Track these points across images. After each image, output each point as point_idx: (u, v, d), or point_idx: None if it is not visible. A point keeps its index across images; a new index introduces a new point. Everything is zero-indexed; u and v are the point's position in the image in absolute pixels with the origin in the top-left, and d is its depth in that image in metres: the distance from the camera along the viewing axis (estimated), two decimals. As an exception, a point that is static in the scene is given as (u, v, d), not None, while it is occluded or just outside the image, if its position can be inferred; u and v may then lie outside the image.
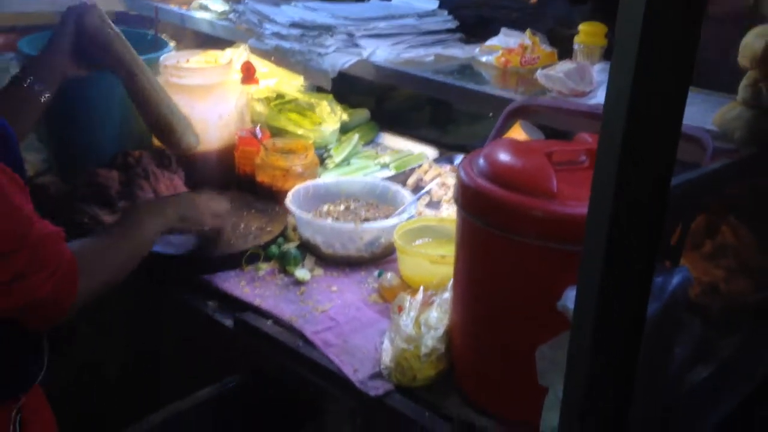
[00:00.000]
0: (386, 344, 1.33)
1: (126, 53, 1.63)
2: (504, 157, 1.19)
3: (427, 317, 1.34)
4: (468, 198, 1.19)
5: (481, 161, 1.20)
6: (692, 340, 1.18)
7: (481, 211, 1.16)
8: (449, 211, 1.84)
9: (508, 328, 1.18)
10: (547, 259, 1.10)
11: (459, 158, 2.17)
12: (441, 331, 1.29)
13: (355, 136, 2.19)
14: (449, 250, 1.61)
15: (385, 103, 2.50)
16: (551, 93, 1.55)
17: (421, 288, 1.43)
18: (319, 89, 2.14)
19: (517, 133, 1.95)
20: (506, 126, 1.40)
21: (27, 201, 1.12)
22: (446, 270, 1.48)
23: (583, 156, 1.21)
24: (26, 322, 1.15)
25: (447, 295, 1.37)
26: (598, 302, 0.86)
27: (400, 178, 2.05)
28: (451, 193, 1.93)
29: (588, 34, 1.68)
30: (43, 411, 1.27)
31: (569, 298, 0.94)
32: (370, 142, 2.34)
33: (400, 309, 1.40)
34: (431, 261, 1.49)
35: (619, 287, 0.85)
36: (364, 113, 2.36)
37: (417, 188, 2.04)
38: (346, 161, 2.13)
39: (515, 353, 1.15)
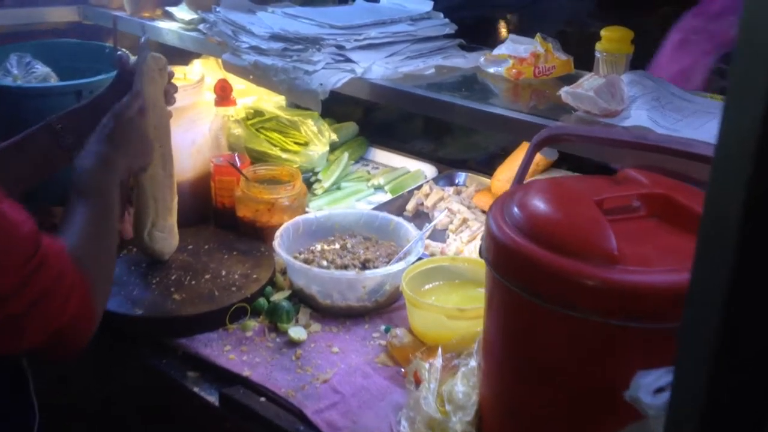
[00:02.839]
0: (404, 426, 1.12)
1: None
2: (543, 205, 0.98)
3: (451, 391, 1.13)
4: (503, 258, 0.97)
5: (515, 210, 0.99)
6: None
7: (520, 277, 0.95)
8: (456, 243, 1.63)
9: (557, 414, 0.98)
10: (606, 337, 0.90)
11: (460, 176, 1.97)
12: (471, 412, 1.08)
13: (345, 156, 1.97)
14: (465, 297, 1.41)
15: (372, 113, 2.27)
16: (577, 112, 1.34)
17: (440, 350, 1.22)
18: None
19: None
20: (533, 159, 1.19)
21: (20, 213, 0.97)
22: (465, 325, 1.27)
23: (637, 201, 1.01)
24: (51, 353, 1.03)
25: (473, 363, 1.16)
26: (704, 407, 0.65)
27: (398, 202, 1.84)
28: (457, 221, 1.72)
29: (611, 40, 1.47)
30: None
31: (643, 388, 0.74)
32: (360, 159, 2.12)
33: (417, 379, 1.20)
34: (448, 316, 1.28)
35: (738, 388, 0.64)
36: (351, 127, 2.14)
37: (417, 213, 1.83)
38: (335, 185, 1.91)
39: (567, 446, 0.95)
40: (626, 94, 1.34)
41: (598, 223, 0.92)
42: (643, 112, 1.30)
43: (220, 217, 1.72)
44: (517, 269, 0.95)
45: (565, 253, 0.90)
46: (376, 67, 1.52)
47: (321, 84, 1.45)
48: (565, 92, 1.32)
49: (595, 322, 0.88)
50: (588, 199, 0.97)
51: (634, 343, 0.88)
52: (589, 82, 1.32)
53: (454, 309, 1.28)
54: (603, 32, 1.47)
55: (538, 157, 1.69)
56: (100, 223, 1.13)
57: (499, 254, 0.98)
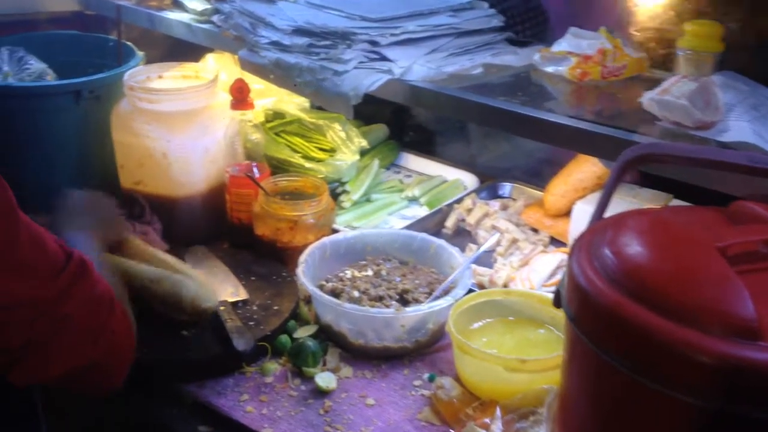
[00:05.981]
0: None
1: None
2: (648, 251, 0.76)
3: (516, 468, 0.93)
4: (593, 318, 0.76)
5: (609, 255, 0.77)
6: None
7: (618, 346, 0.73)
8: (506, 269, 1.42)
9: None
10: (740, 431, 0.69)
11: (505, 188, 1.75)
12: (545, 500, 0.88)
13: (375, 163, 1.76)
14: (523, 340, 1.20)
15: (403, 113, 2.04)
16: (661, 122, 1.13)
17: (498, 412, 1.01)
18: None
19: (586, 159, 1.52)
20: (616, 186, 0.97)
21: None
22: (527, 379, 1.07)
23: (764, 246, 0.79)
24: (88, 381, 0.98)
25: (543, 432, 0.96)
26: None
27: (436, 218, 1.63)
28: (506, 241, 1.51)
29: (698, 36, 1.24)
30: None
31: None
32: (390, 165, 1.91)
33: (472, 446, 0.99)
34: (507, 368, 1.08)
35: None
36: (381, 130, 1.92)
37: (458, 231, 1.62)
38: (365, 196, 1.70)
39: None
40: (721, 102, 1.12)
41: (728, 279, 0.70)
42: (745, 123, 1.08)
43: (235, 235, 1.52)
44: (615, 336, 0.74)
45: (683, 319, 0.69)
46: (417, 67, 1.31)
47: (354, 87, 1.24)
48: (649, 99, 1.11)
49: (726, 412, 0.68)
50: (707, 245, 0.75)
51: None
52: (678, 87, 1.09)
53: (515, 360, 1.08)
54: (687, 26, 1.25)
55: (602, 170, 1.47)
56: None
57: (587, 312, 0.77)
